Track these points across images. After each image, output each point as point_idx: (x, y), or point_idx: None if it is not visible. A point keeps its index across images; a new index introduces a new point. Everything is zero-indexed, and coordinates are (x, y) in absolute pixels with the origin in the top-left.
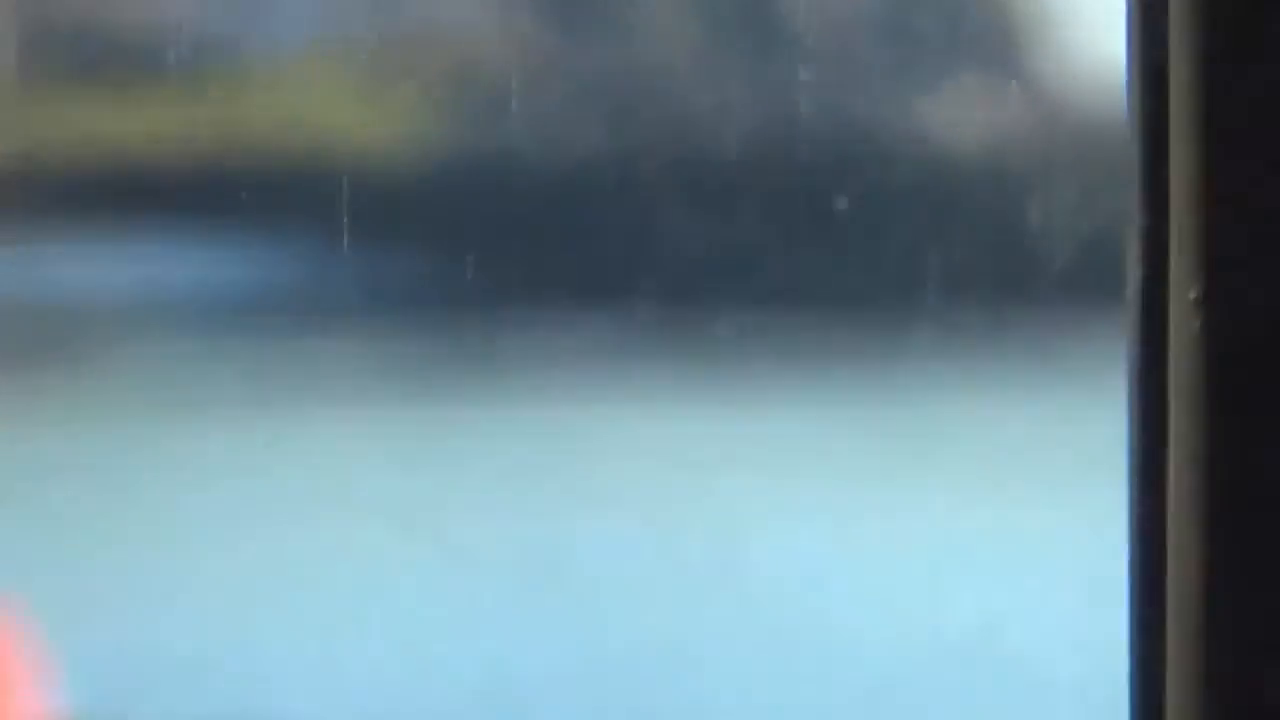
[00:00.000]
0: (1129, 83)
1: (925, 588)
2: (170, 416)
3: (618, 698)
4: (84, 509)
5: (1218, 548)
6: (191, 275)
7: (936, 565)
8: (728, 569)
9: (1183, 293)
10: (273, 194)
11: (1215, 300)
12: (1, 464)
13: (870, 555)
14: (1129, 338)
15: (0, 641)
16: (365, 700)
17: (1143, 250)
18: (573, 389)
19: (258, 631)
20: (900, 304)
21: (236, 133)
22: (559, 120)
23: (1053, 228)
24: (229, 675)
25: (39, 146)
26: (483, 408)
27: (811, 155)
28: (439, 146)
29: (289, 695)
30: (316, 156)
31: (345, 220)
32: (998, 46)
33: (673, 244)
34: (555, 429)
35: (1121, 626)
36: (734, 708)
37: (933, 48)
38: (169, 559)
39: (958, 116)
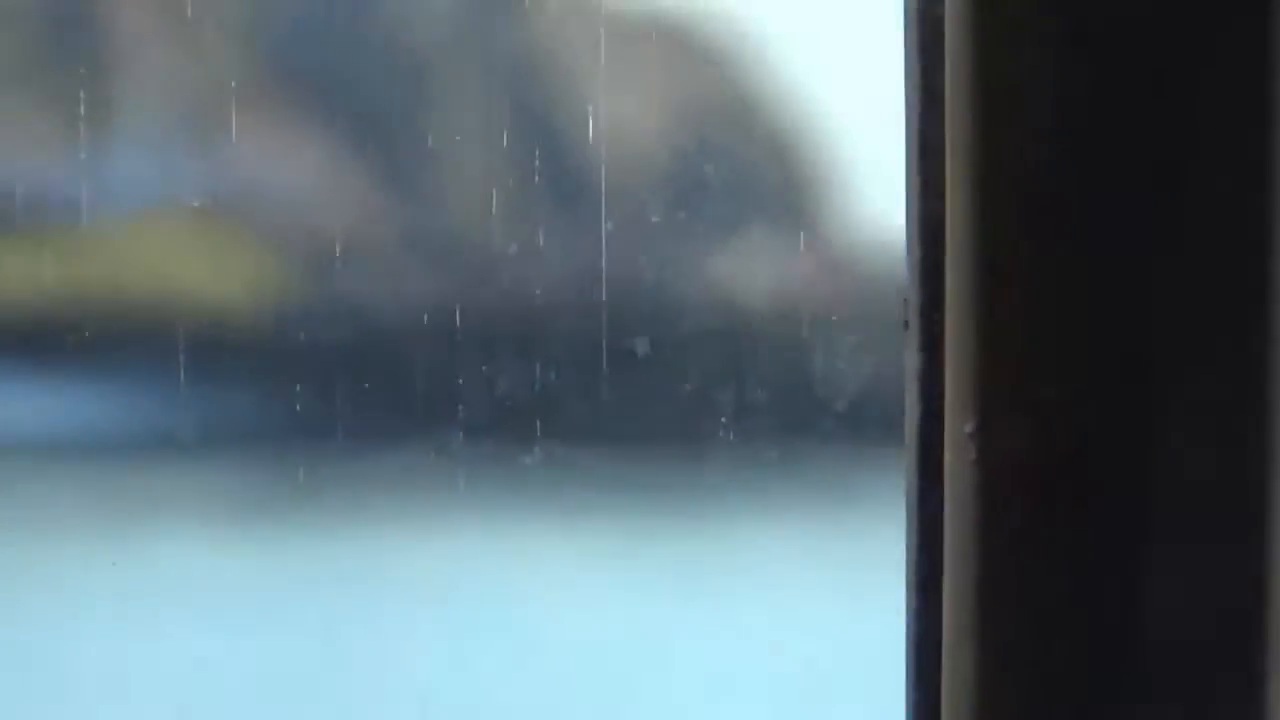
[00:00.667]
0: (908, 239)
1: (720, 685)
2: (17, 539)
3: None
4: None
5: (990, 663)
6: (36, 416)
7: (731, 667)
8: (531, 680)
9: (958, 426)
10: (114, 342)
11: (988, 432)
12: None
13: (669, 664)
14: (908, 467)
15: None
16: None
17: (920, 389)
18: (388, 514)
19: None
20: (695, 439)
21: (80, 286)
22: (382, 271)
23: (836, 371)
24: None
25: None
26: (306, 529)
27: (614, 303)
28: (271, 297)
29: None
30: (157, 307)
31: (183, 364)
32: (787, 205)
33: (485, 384)
34: (371, 551)
35: None
36: None
37: (727, 206)
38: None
39: (749, 269)
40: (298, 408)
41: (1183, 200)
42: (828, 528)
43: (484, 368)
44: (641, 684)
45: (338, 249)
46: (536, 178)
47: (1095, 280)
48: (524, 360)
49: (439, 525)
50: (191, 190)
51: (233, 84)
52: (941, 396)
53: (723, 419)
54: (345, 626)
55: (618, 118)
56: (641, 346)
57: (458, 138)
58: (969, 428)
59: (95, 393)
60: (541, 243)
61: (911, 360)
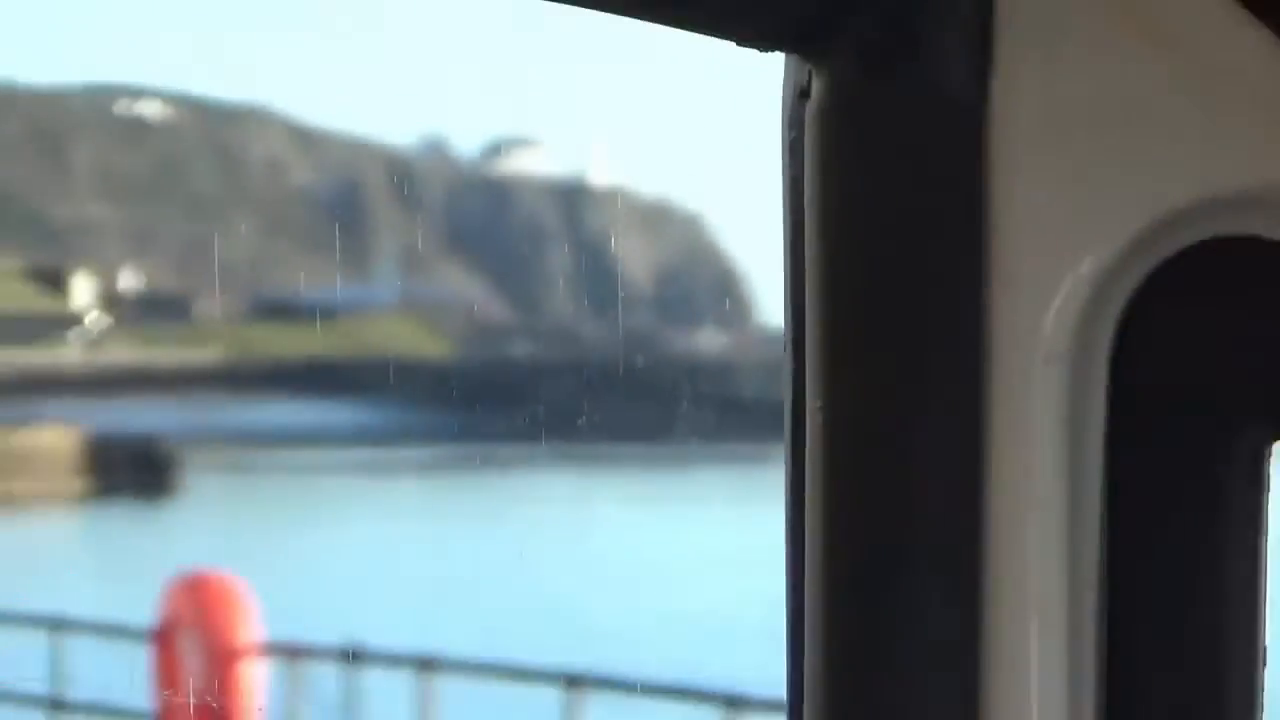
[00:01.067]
0: (784, 299)
1: (682, 568)
2: (314, 485)
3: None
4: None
5: (838, 571)
6: (318, 419)
7: (685, 557)
8: (583, 558)
9: (814, 405)
10: (359, 379)
11: (829, 408)
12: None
13: (648, 553)
14: (785, 434)
15: (229, 604)
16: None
17: (791, 383)
18: (512, 469)
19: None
20: (669, 432)
21: (342, 349)
22: (506, 340)
23: (748, 389)
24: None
25: (252, 353)
26: (475, 485)
27: (624, 354)
28: (446, 356)
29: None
30: (384, 361)
31: (398, 390)
32: (726, 303)
33: (559, 399)
34: (513, 493)
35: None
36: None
37: (691, 303)
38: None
39: (704, 336)
40: (462, 413)
41: (911, 262)
42: (745, 475)
43: (557, 390)
44: (654, 558)
45: (482, 329)
46: (587, 290)
47: (886, 315)
48: (577, 384)
49: (539, 475)
50: (402, 299)
51: (424, 243)
52: (803, 387)
53: (685, 412)
54: (493, 527)
55: (631, 258)
56: (637, 380)
57: (548, 271)
58: (818, 404)
59: (349, 406)
60: (589, 324)
61: (786, 367)
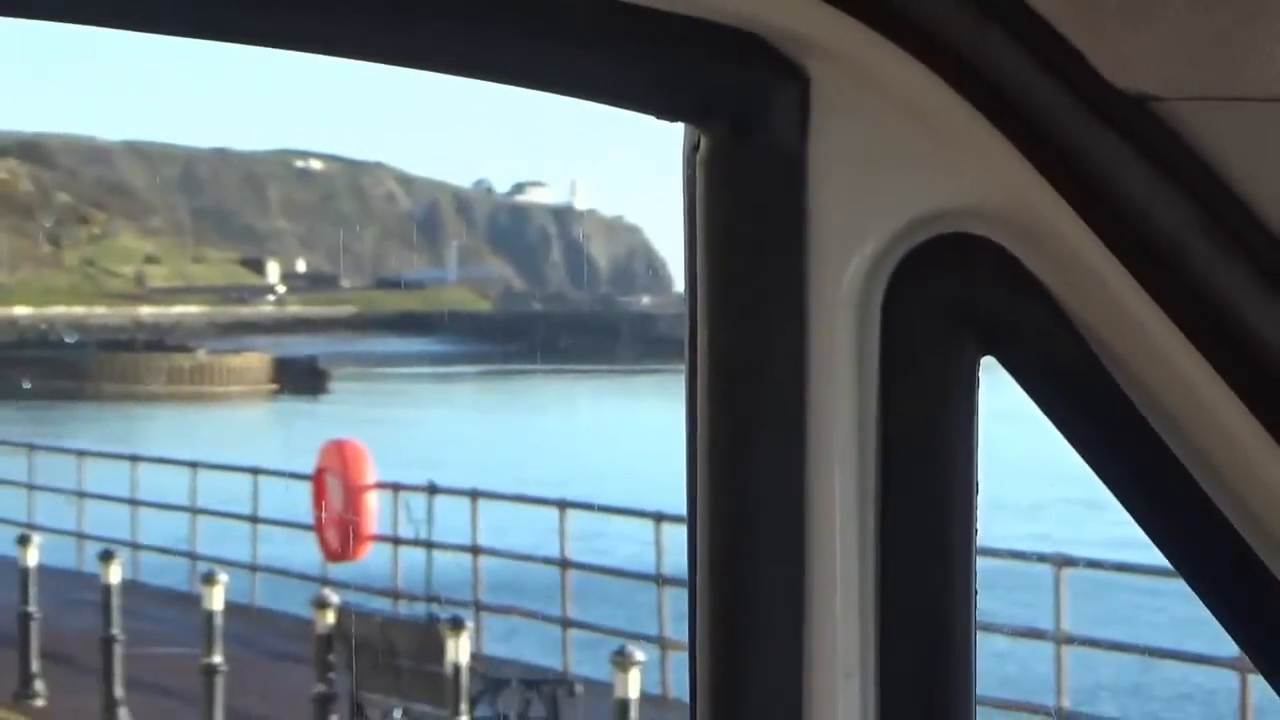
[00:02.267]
0: (686, 278)
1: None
2: (410, 386)
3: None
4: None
5: (709, 487)
6: (413, 349)
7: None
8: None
9: (701, 328)
10: (439, 323)
11: (717, 394)
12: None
13: (591, 429)
14: (686, 354)
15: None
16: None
17: (688, 330)
18: (529, 380)
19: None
20: (618, 356)
21: (428, 306)
22: (530, 300)
23: (669, 334)
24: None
25: (372, 309)
26: (503, 387)
27: (592, 309)
28: (492, 311)
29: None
30: (456, 312)
31: (465, 330)
32: (655, 277)
33: (558, 338)
34: (525, 391)
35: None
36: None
37: (637, 282)
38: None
39: (640, 300)
40: (496, 345)
41: (762, 254)
42: (661, 382)
43: (552, 332)
44: (609, 428)
45: (509, 294)
46: (570, 272)
47: (743, 289)
48: (565, 328)
49: (541, 381)
50: (461, 276)
51: (475, 244)
52: (694, 333)
53: (628, 344)
54: (515, 410)
55: (598, 252)
56: (605, 328)
57: (548, 259)
58: (701, 346)
59: (428, 340)
60: (572, 291)
61: (685, 320)
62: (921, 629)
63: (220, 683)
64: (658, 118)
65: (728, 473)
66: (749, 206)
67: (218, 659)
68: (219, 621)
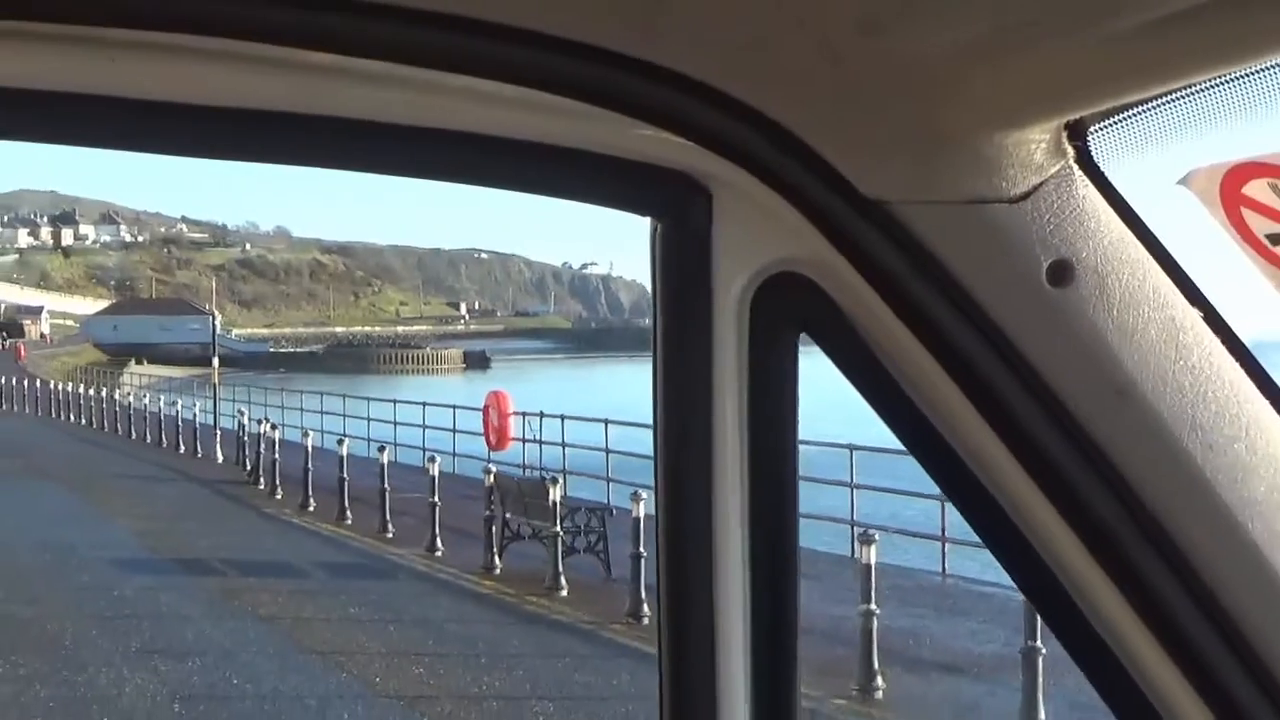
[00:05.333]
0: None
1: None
2: (531, 366)
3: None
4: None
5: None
6: (534, 347)
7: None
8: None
9: (658, 331)
10: (546, 334)
11: (665, 332)
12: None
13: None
14: (651, 352)
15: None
16: None
17: (653, 327)
18: (593, 361)
19: None
20: (638, 347)
21: (540, 325)
22: (588, 323)
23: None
24: None
25: (512, 327)
26: (575, 369)
27: (620, 327)
28: (566, 327)
29: None
30: (549, 328)
31: (553, 338)
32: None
33: (597, 342)
34: (591, 366)
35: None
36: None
37: (641, 308)
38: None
39: (644, 321)
40: (568, 344)
41: (686, 277)
42: (639, 370)
43: (596, 339)
44: (631, 386)
45: (579, 318)
46: (611, 309)
47: (676, 306)
48: (608, 337)
49: (598, 364)
50: (556, 309)
51: (559, 294)
52: (656, 368)
53: (639, 344)
54: (586, 378)
55: (624, 298)
56: (625, 330)
57: (600, 304)
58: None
59: (545, 341)
60: (612, 319)
61: (652, 349)
62: (771, 551)
63: (436, 511)
64: (637, 214)
65: (671, 422)
66: (682, 263)
67: (436, 499)
68: (438, 480)
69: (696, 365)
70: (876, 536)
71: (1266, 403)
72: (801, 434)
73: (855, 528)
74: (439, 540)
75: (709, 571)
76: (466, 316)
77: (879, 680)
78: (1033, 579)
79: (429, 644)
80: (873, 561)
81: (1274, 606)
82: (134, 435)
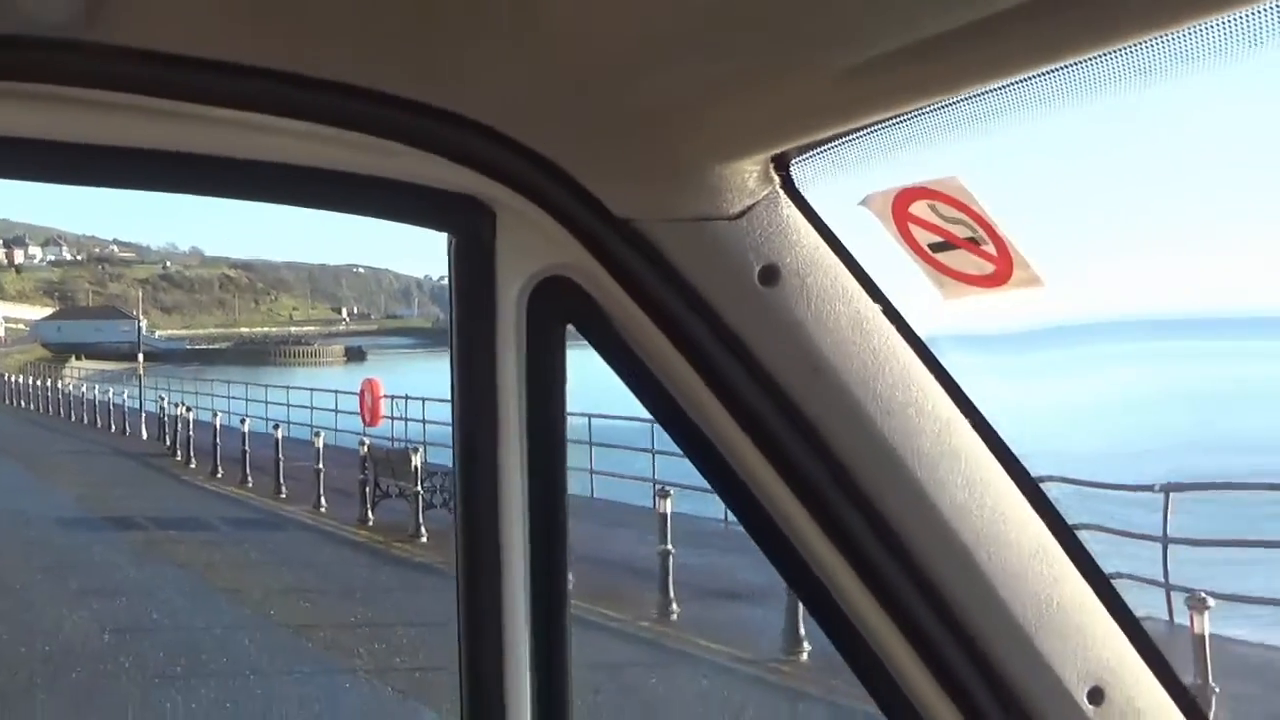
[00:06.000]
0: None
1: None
2: (409, 359)
3: None
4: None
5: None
6: (417, 343)
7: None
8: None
9: (453, 324)
10: (415, 333)
11: (460, 324)
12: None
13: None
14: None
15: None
16: None
17: (449, 318)
18: (445, 354)
19: None
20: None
21: (411, 326)
22: (446, 324)
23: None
24: None
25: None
26: (442, 356)
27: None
28: (433, 326)
29: None
30: (419, 328)
31: (422, 335)
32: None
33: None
34: (446, 357)
35: None
36: None
37: None
38: None
39: None
40: (435, 341)
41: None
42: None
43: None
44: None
45: (440, 320)
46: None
47: (473, 325)
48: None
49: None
50: (420, 313)
51: (424, 300)
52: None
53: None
54: (438, 370)
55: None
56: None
57: (432, 307)
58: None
59: (408, 339)
60: (444, 315)
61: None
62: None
63: (321, 476)
64: (434, 230)
65: (465, 399)
66: (471, 270)
67: (321, 466)
68: (322, 452)
69: (483, 353)
70: (672, 492)
71: (931, 376)
72: (616, 410)
73: (655, 485)
74: (323, 499)
75: (495, 516)
76: (347, 319)
77: (674, 606)
78: (757, 525)
79: (314, 582)
80: (669, 511)
81: (930, 525)
82: (74, 418)
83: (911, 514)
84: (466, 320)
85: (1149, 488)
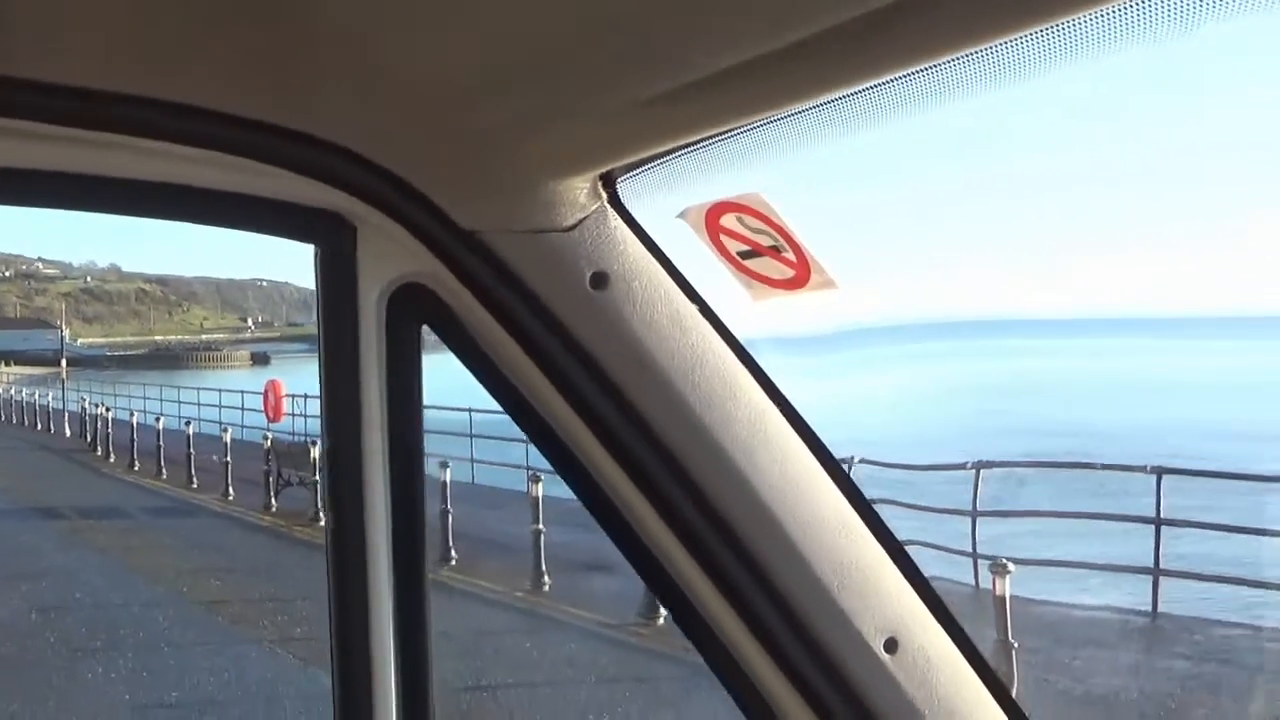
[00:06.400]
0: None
1: None
2: (300, 364)
3: None
4: None
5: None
6: (305, 349)
7: None
8: None
9: (320, 329)
10: (311, 340)
11: (325, 326)
12: None
13: None
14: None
15: None
16: None
17: (318, 325)
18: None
19: None
20: None
21: (309, 334)
22: None
23: None
24: None
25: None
26: None
27: None
28: None
29: None
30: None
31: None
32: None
33: None
34: None
35: None
36: None
37: None
38: None
39: None
40: None
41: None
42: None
43: None
44: None
45: None
46: None
47: (336, 328)
48: None
49: None
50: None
51: None
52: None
53: None
54: None
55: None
56: None
57: None
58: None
59: (304, 345)
60: None
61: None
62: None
63: (229, 468)
64: (302, 243)
65: (332, 394)
66: (335, 279)
67: (229, 459)
68: (230, 445)
69: (348, 353)
70: (542, 477)
71: (745, 370)
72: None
73: (529, 471)
74: (231, 488)
75: (361, 499)
76: (253, 327)
77: (546, 578)
78: (598, 506)
79: (223, 562)
80: (540, 495)
81: (747, 502)
82: (2, 418)
83: (731, 492)
84: (331, 323)
85: (961, 466)
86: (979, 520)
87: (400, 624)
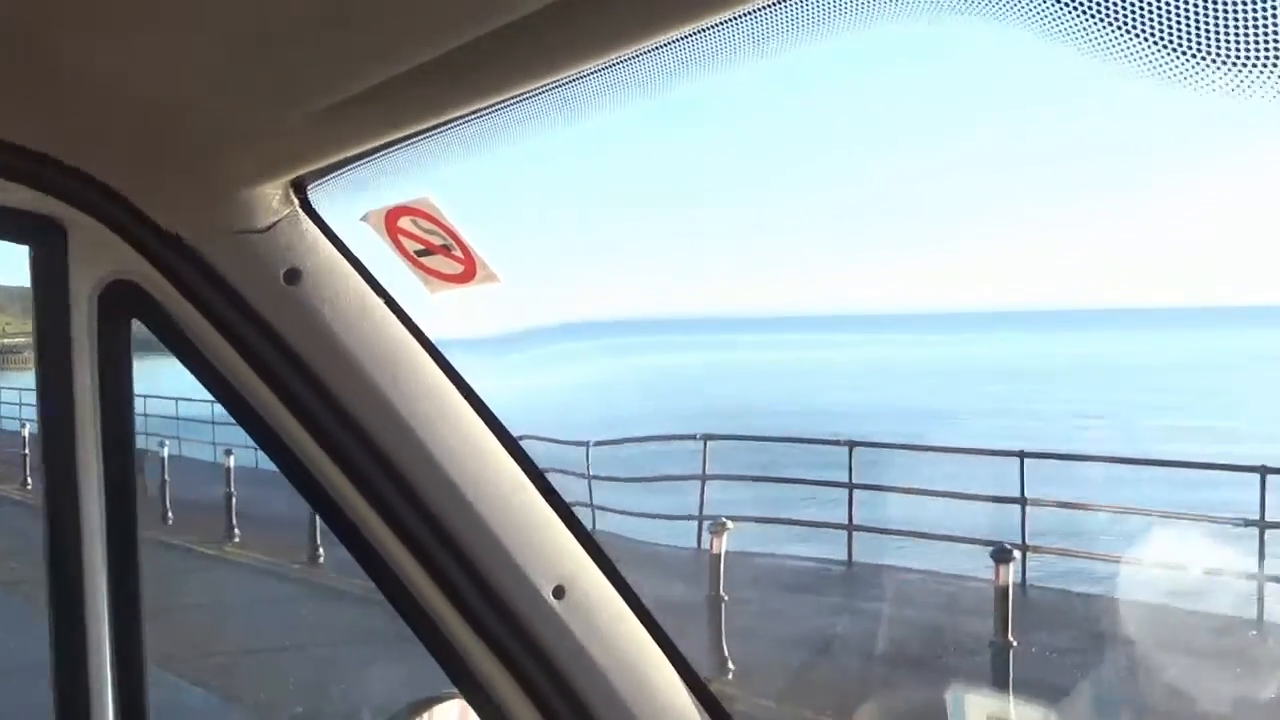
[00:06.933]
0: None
1: None
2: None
3: None
4: None
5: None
6: None
7: None
8: None
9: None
10: None
11: (40, 332)
12: None
13: None
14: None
15: None
16: None
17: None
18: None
19: None
20: None
21: None
22: None
23: None
24: None
25: None
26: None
27: None
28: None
29: None
30: None
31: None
32: None
33: None
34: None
35: None
36: None
37: None
38: None
39: None
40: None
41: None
42: None
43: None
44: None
45: None
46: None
47: (54, 326)
48: None
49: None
50: None
51: None
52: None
53: None
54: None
55: None
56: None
57: None
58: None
59: None
60: None
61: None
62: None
63: (26, 460)
64: (19, 245)
65: (46, 387)
66: (49, 278)
67: (26, 452)
68: (28, 439)
69: (60, 349)
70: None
71: (426, 354)
72: None
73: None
74: (29, 479)
75: (74, 481)
76: None
77: (236, 530)
78: (303, 482)
79: (23, 547)
80: (232, 466)
81: (432, 470)
82: None
83: (417, 462)
84: (45, 322)
85: (691, 437)
86: (706, 486)
87: (115, 602)
